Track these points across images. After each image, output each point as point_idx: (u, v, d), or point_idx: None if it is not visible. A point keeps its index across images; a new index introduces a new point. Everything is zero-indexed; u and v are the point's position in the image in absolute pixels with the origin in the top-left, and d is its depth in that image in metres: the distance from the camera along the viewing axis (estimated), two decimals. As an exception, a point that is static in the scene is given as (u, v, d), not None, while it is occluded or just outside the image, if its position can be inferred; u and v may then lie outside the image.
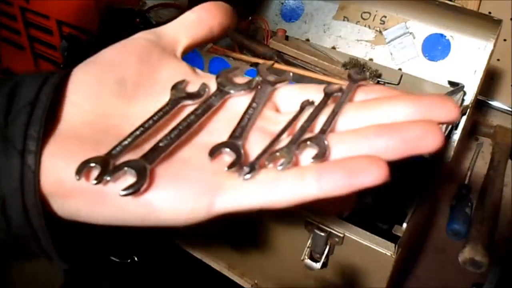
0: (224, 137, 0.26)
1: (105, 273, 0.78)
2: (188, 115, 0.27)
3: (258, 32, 0.90)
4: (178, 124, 0.26)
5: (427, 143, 0.23)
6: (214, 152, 0.25)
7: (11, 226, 0.24)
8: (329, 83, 0.29)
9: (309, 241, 0.59)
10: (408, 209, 0.62)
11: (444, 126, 0.66)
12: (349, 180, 0.22)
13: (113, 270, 0.78)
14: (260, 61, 0.79)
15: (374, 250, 0.55)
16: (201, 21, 0.33)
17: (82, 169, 0.23)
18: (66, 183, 0.24)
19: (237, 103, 0.29)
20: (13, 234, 0.24)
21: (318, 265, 0.60)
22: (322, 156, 0.24)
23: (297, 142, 0.25)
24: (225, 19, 0.33)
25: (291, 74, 0.31)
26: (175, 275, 0.80)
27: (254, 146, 0.26)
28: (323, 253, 0.59)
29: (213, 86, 0.29)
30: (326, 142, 0.24)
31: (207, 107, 0.28)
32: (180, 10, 0.89)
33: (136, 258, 0.79)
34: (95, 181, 0.23)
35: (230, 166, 0.24)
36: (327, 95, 0.28)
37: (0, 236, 0.24)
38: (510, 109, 0.93)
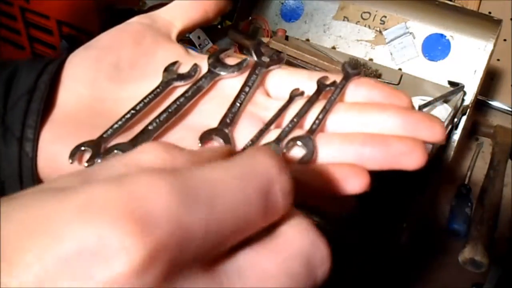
0: (215, 119, 0.26)
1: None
2: (178, 98, 0.27)
3: (258, 32, 0.90)
4: (168, 107, 0.26)
5: (410, 160, 0.24)
6: (204, 138, 0.25)
7: None
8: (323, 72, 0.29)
9: (309, 241, 0.59)
10: (408, 209, 0.62)
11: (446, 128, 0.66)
12: (332, 187, 0.23)
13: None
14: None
15: (374, 250, 0.55)
16: (196, 3, 0.32)
17: (75, 153, 0.24)
18: (61, 166, 0.25)
19: (228, 84, 0.29)
20: None
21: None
22: (308, 160, 0.24)
23: (286, 139, 0.25)
24: (221, 1, 0.33)
25: (285, 55, 0.30)
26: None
27: (243, 131, 0.26)
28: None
29: (205, 67, 0.29)
30: (314, 145, 0.24)
31: (197, 89, 0.28)
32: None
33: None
34: (86, 164, 0.24)
35: None
36: (320, 89, 0.27)
37: None
38: (510, 109, 0.93)
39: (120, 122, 0.26)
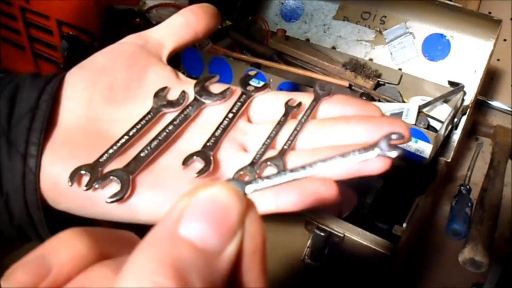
0: (200, 144, 0.29)
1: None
2: (167, 125, 0.29)
3: (258, 32, 0.90)
4: (158, 134, 0.29)
5: (372, 166, 0.25)
6: (187, 161, 0.28)
7: (14, 218, 0.27)
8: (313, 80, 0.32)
9: (309, 241, 0.59)
10: (408, 209, 0.62)
11: (446, 126, 0.66)
12: (301, 199, 0.24)
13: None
14: (260, 61, 0.79)
15: (374, 250, 0.55)
16: (187, 25, 0.33)
17: (74, 176, 0.26)
18: (60, 186, 0.26)
19: (213, 111, 0.31)
20: (15, 224, 0.27)
21: (318, 265, 0.60)
22: None
23: (259, 161, 0.28)
24: (210, 21, 0.34)
25: (271, 80, 0.33)
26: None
27: (223, 154, 0.29)
28: (323, 253, 0.59)
29: (192, 93, 0.31)
30: (284, 164, 0.27)
31: (184, 117, 0.30)
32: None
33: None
34: (85, 188, 0.26)
35: (199, 173, 0.27)
36: (287, 111, 0.30)
37: (4, 225, 0.27)
38: (510, 109, 0.93)
39: (115, 147, 0.28)
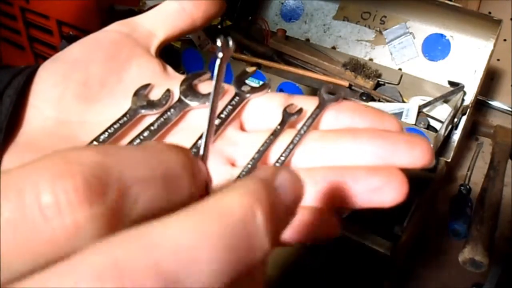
0: None
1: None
2: (142, 131, 0.25)
3: (258, 32, 0.90)
4: (131, 141, 0.24)
5: (384, 197, 0.20)
6: None
7: None
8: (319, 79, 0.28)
9: (309, 241, 0.59)
10: (408, 209, 0.62)
11: (445, 128, 0.66)
12: (295, 237, 0.20)
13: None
14: (260, 61, 0.79)
15: (374, 250, 0.55)
16: (183, 11, 0.29)
17: None
18: None
19: (199, 115, 0.26)
20: None
21: (318, 265, 0.60)
22: None
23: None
24: (211, 8, 0.29)
25: (270, 83, 0.27)
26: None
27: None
28: (323, 253, 0.59)
29: (178, 92, 0.27)
30: None
31: (164, 121, 0.25)
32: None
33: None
34: None
35: None
36: (284, 119, 0.25)
37: None
38: (510, 109, 0.93)
39: None
